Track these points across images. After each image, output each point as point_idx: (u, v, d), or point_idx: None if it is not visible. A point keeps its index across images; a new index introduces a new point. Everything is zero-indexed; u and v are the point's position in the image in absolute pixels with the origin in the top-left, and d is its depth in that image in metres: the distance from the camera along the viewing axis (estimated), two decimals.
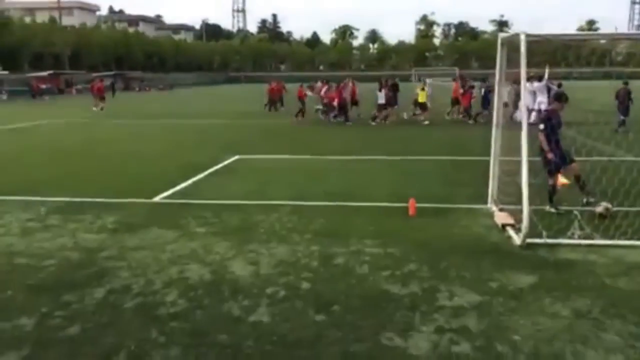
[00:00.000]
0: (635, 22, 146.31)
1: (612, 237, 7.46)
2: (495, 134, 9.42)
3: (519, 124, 7.99)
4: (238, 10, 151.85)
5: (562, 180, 8.66)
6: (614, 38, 9.35)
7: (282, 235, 7.93)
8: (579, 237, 7.47)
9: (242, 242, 7.66)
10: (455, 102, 26.65)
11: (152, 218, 8.92)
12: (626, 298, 5.75)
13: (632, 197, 8.86)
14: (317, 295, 5.87)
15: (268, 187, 11.27)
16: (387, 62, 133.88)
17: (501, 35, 9.10)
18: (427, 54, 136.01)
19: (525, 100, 20.89)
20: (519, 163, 8.53)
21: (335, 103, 25.45)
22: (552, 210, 8.76)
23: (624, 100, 20.06)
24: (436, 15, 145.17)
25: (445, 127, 23.05)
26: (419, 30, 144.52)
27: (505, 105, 13.08)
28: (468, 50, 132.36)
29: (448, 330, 5.09)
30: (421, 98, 25.75)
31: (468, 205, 9.54)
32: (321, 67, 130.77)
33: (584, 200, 9.00)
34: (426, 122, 24.29)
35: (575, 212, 7.87)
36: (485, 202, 9.46)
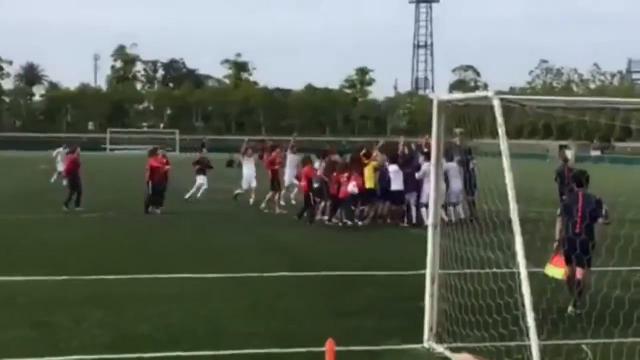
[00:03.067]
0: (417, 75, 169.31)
1: None
2: (432, 236, 10.41)
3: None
4: None
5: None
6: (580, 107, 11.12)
7: None
8: None
9: None
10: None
11: None
12: None
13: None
14: None
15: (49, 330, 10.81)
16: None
17: (438, 96, 10.30)
18: None
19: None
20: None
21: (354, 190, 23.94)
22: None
23: None
24: None
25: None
26: None
27: None
28: None
29: None
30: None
31: (397, 345, 10.29)
32: None
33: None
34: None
35: (583, 346, 9.09)
36: (418, 339, 10.28)
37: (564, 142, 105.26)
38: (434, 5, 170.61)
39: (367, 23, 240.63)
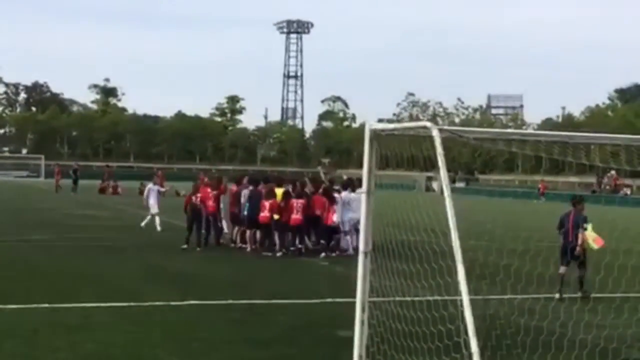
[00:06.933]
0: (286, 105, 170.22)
1: None
2: (362, 263, 10.41)
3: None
4: None
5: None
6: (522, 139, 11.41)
7: None
8: None
9: None
10: None
11: None
12: None
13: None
14: None
15: None
16: None
17: (371, 125, 10.34)
18: None
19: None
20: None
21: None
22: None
23: None
24: None
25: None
26: None
27: None
28: None
29: None
30: None
31: None
32: None
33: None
34: None
35: None
36: None
37: (429, 174, 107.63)
38: (304, 36, 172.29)
39: (239, 51, 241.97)
